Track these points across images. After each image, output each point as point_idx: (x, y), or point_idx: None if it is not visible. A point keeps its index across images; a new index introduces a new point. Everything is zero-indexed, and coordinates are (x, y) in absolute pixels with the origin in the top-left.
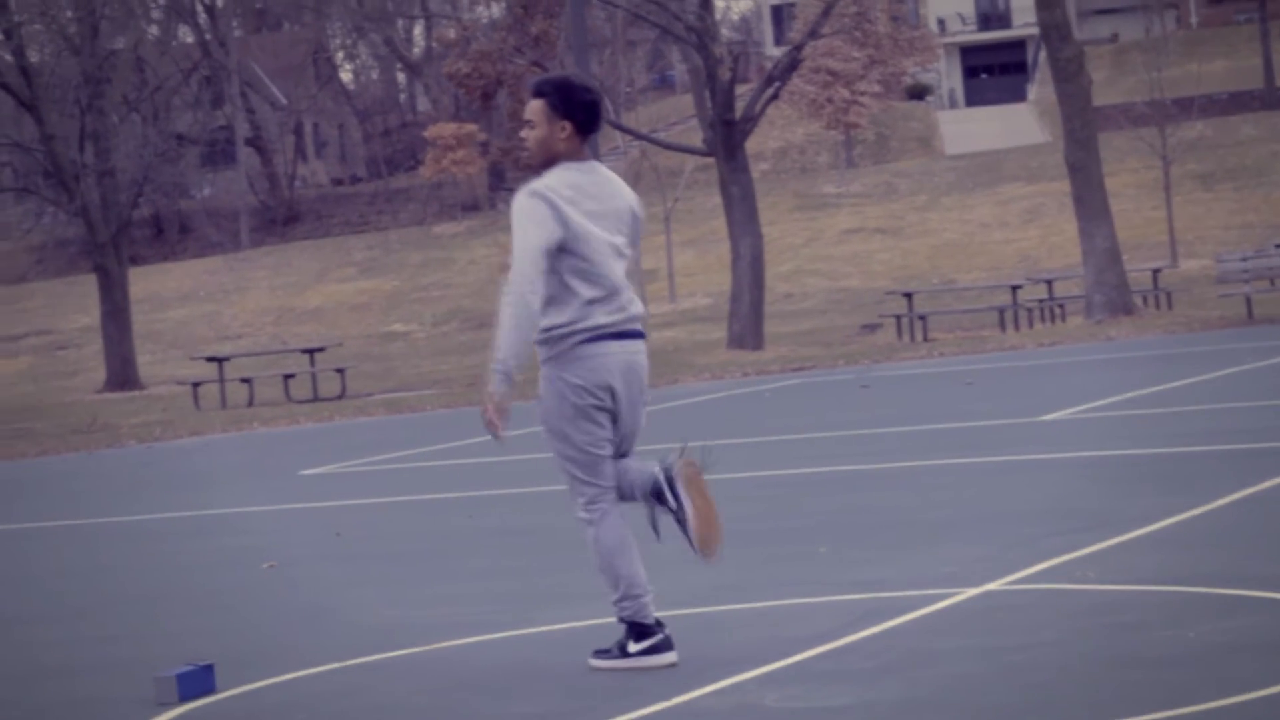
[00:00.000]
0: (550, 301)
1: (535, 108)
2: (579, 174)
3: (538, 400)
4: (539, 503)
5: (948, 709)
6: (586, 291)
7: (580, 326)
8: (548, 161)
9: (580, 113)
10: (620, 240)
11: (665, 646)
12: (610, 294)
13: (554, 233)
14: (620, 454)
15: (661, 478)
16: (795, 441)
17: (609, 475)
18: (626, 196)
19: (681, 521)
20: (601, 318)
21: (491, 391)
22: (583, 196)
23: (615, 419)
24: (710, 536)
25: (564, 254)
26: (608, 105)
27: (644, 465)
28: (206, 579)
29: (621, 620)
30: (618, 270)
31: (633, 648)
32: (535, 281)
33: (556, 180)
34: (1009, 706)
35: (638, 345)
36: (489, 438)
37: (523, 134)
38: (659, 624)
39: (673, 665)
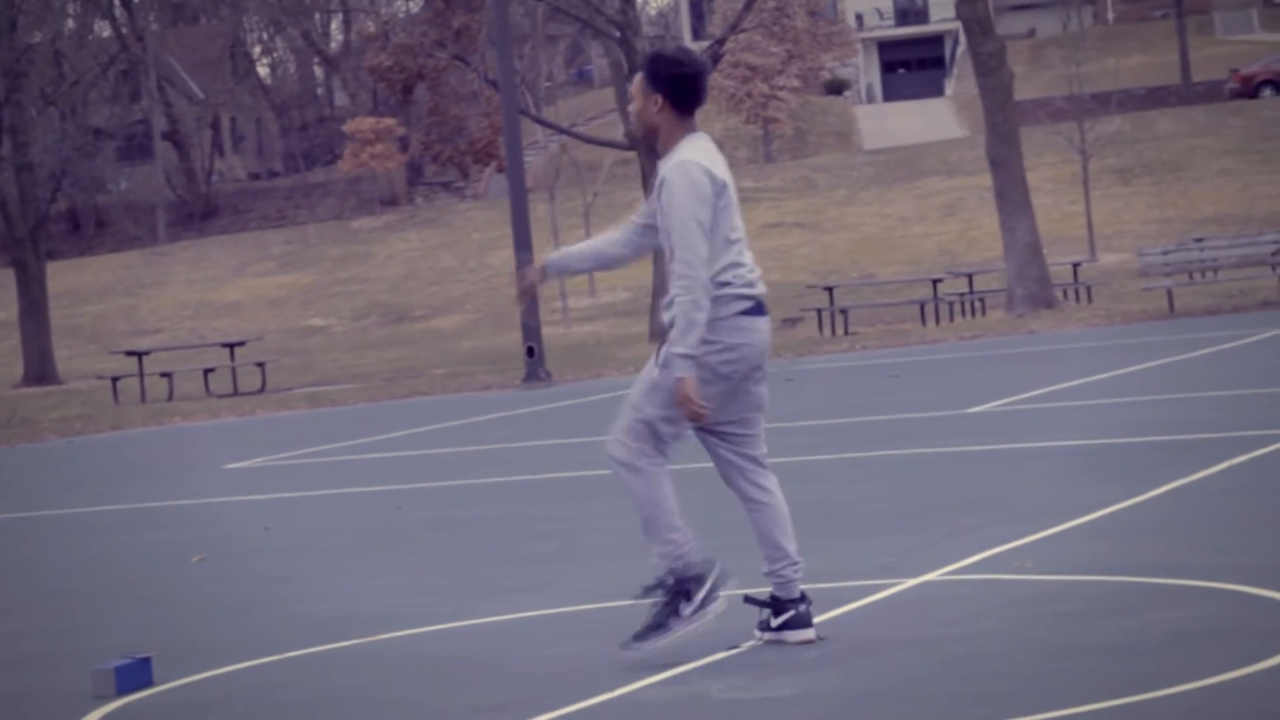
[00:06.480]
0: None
1: (636, 81)
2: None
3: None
4: (465, 496)
5: (891, 699)
6: None
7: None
8: (647, 135)
9: (666, 85)
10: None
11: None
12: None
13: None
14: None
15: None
16: None
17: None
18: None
19: (675, 615)
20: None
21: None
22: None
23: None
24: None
25: None
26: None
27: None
28: (137, 573)
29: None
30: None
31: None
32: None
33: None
34: (953, 695)
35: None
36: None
37: (629, 108)
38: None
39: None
